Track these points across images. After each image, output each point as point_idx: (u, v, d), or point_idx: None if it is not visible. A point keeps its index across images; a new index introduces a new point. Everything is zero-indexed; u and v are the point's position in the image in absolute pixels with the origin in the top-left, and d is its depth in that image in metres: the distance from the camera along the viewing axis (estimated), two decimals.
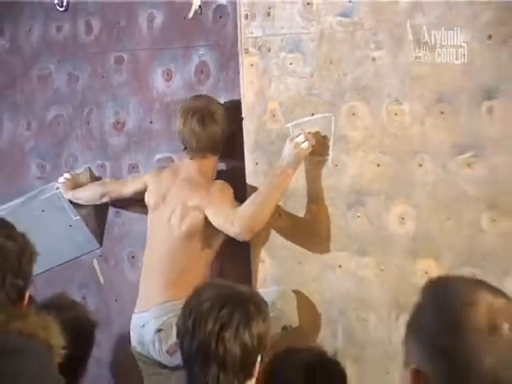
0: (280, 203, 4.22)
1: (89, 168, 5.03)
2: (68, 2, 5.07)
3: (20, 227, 2.57)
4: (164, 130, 4.79)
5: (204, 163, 4.40)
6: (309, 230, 4.20)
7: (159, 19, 4.71)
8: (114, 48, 4.82)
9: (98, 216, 4.92)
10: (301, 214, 4.21)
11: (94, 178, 4.99)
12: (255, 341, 2.71)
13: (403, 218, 3.94)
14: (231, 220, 4.09)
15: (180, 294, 4.09)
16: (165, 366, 4.27)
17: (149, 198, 4.54)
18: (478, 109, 3.70)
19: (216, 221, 4.20)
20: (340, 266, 4.12)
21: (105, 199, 4.84)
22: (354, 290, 4.10)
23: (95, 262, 5.01)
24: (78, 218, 4.81)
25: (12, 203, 4.96)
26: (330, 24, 4.06)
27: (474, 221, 3.74)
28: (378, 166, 3.98)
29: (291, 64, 4.18)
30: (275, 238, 4.29)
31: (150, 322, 4.23)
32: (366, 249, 4.05)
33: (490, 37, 3.64)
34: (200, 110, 4.34)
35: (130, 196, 4.75)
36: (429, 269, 3.86)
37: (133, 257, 4.95)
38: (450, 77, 3.76)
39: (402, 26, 3.86)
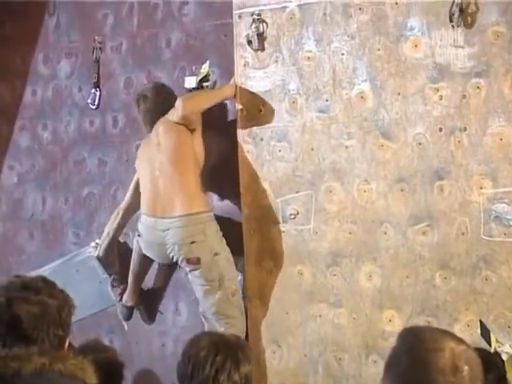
0: (272, 263, 4.20)
1: None
2: (99, 102, 5.10)
3: (59, 284, 2.53)
4: None
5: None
6: (295, 285, 4.16)
7: None
8: (135, 138, 4.81)
9: (122, 274, 4.87)
10: (289, 272, 4.17)
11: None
12: (243, 380, 2.66)
13: (371, 276, 3.93)
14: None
15: (194, 209, 4.12)
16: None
17: (138, 171, 4.50)
18: (431, 187, 3.73)
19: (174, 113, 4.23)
20: (320, 316, 4.08)
21: (119, 216, 4.68)
22: (331, 335, 4.06)
23: None
24: (106, 276, 4.77)
25: (52, 264, 4.93)
26: (311, 118, 4.08)
27: (429, 278, 3.77)
28: (350, 233, 3.97)
29: (280, 151, 4.18)
30: (268, 290, 4.24)
31: (172, 228, 4.10)
32: (341, 301, 4.02)
33: (440, 129, 3.67)
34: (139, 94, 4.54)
35: (134, 195, 4.58)
36: (392, 317, 3.87)
37: None
38: (408, 161, 3.78)
39: (369, 120, 3.89)
